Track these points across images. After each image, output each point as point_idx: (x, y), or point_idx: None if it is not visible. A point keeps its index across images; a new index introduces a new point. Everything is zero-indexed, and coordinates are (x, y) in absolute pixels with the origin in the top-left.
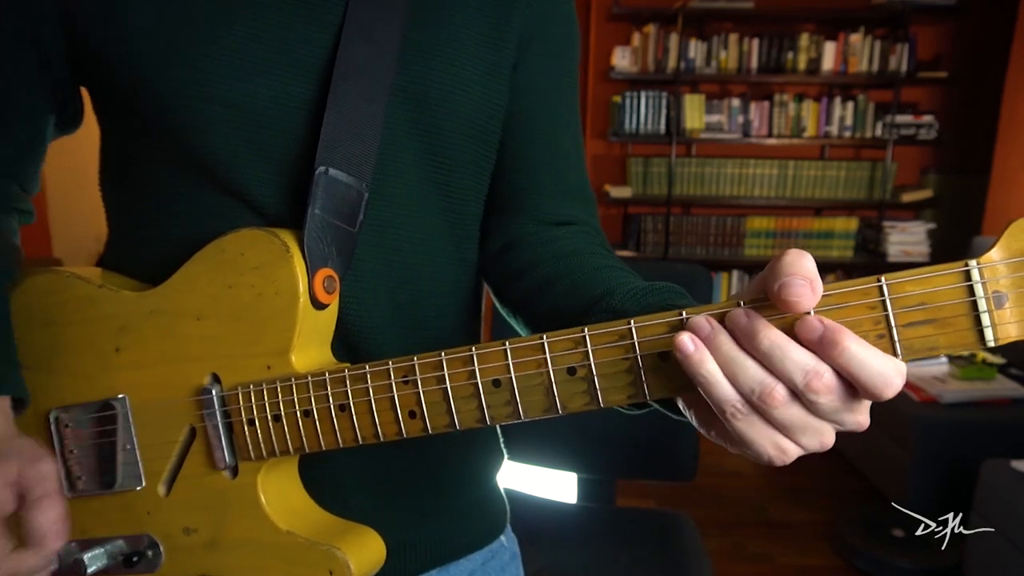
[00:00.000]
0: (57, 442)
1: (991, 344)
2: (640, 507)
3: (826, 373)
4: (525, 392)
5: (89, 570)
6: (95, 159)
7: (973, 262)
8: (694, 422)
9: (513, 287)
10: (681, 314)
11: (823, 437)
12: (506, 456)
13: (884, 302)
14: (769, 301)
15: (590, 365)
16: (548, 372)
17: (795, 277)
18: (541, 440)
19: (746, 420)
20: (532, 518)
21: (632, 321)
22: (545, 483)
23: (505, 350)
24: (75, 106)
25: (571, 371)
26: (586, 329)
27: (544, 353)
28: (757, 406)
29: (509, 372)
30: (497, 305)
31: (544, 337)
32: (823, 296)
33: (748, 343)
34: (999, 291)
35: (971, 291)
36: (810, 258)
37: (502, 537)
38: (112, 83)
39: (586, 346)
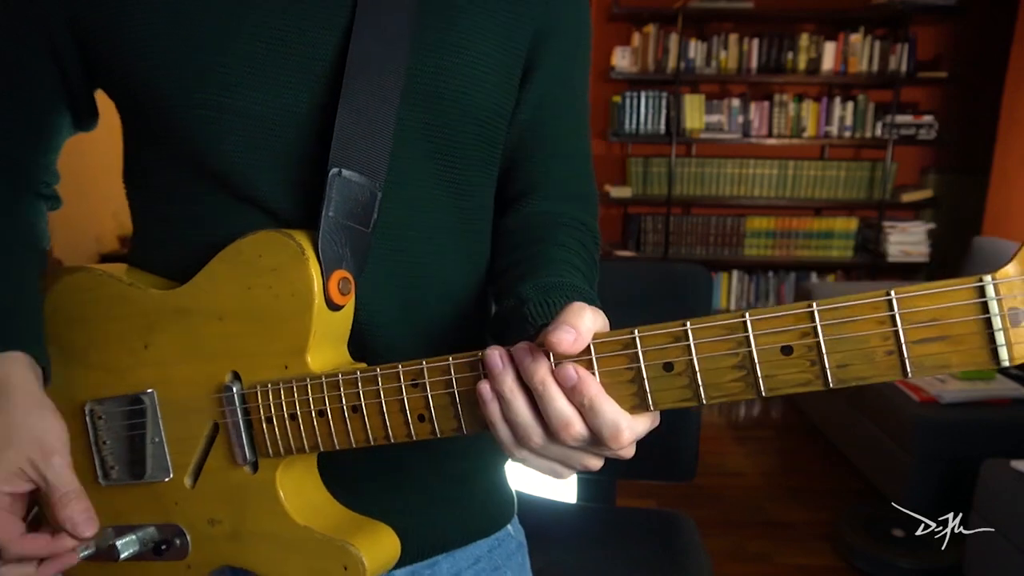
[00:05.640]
0: (92, 433)
1: (1005, 364)
2: (640, 507)
3: (577, 424)
4: None
5: (122, 555)
6: (95, 161)
7: (988, 277)
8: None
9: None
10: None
11: (587, 463)
12: None
13: (894, 317)
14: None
15: (594, 372)
16: None
17: (565, 324)
18: None
19: (520, 454)
20: (532, 518)
21: (636, 330)
22: (545, 483)
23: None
24: (90, 108)
25: None
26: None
27: (549, 360)
28: (525, 444)
29: None
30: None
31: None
32: (832, 308)
33: (526, 378)
34: (1016, 308)
35: (985, 308)
36: (590, 315)
37: (509, 526)
38: (123, 90)
39: (590, 354)
